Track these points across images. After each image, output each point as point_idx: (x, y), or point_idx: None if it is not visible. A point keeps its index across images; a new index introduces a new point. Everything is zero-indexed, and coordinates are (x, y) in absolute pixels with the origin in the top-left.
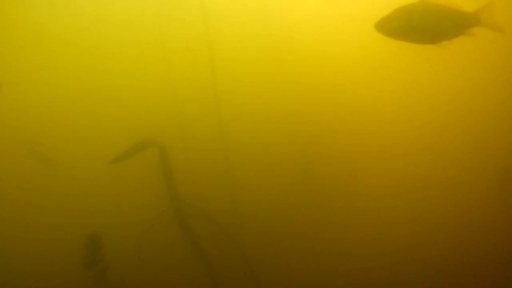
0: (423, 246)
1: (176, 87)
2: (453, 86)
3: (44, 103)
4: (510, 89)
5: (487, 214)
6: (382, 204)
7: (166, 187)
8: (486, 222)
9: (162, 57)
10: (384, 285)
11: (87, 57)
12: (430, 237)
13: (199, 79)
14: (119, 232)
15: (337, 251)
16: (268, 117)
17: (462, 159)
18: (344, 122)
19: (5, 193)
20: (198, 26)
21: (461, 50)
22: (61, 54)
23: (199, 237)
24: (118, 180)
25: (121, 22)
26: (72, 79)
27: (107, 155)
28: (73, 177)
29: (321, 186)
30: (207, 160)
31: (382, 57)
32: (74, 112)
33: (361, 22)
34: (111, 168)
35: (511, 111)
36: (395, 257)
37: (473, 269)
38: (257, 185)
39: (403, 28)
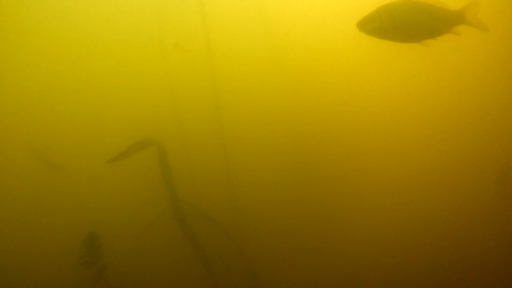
0: (423, 245)
1: (175, 86)
2: (447, 84)
3: (42, 103)
4: (501, 88)
5: (487, 213)
6: (381, 203)
7: (165, 186)
8: (486, 221)
9: (161, 56)
10: (383, 285)
11: (85, 56)
12: (430, 236)
13: (197, 78)
14: (117, 231)
15: (337, 250)
16: (267, 116)
17: (462, 158)
18: (343, 121)
19: (3, 192)
20: (196, 25)
21: (447, 48)
22: (58, 53)
23: (198, 236)
24: (117, 179)
25: (120, 21)
26: (70, 78)
27: (106, 154)
28: (71, 176)
29: (320, 185)
30: (206, 159)
31: (381, 56)
32: (72, 111)
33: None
34: (109, 167)
35: (509, 109)
36: (394, 256)
37: (473, 268)
38: (256, 184)
39: (386, 26)
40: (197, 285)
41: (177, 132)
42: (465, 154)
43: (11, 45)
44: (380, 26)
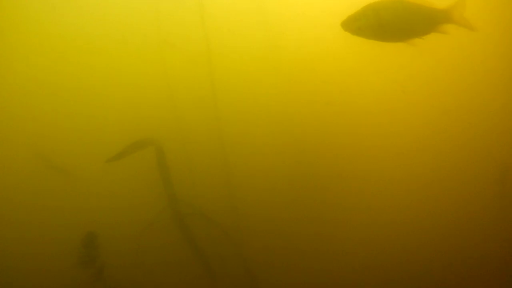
0: (422, 245)
1: (174, 86)
2: (445, 84)
3: (40, 102)
4: (500, 88)
5: (487, 213)
6: (380, 204)
7: (163, 186)
8: (486, 221)
9: (160, 56)
10: (382, 285)
11: (83, 56)
12: (428, 237)
13: (196, 77)
14: (116, 231)
15: (336, 251)
16: (266, 116)
17: (460, 158)
18: (341, 121)
19: (1, 192)
20: (196, 25)
21: (444, 46)
22: (56, 52)
23: (197, 237)
24: (115, 179)
25: (119, 21)
26: (68, 77)
27: (104, 154)
28: (70, 176)
29: (319, 186)
30: (205, 159)
31: (376, 55)
32: (70, 111)
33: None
34: (108, 167)
35: (508, 109)
36: (393, 256)
37: (473, 267)
38: (255, 184)
39: (372, 26)
40: (195, 286)
41: (175, 132)
42: (463, 154)
43: (8, 45)
44: (365, 25)
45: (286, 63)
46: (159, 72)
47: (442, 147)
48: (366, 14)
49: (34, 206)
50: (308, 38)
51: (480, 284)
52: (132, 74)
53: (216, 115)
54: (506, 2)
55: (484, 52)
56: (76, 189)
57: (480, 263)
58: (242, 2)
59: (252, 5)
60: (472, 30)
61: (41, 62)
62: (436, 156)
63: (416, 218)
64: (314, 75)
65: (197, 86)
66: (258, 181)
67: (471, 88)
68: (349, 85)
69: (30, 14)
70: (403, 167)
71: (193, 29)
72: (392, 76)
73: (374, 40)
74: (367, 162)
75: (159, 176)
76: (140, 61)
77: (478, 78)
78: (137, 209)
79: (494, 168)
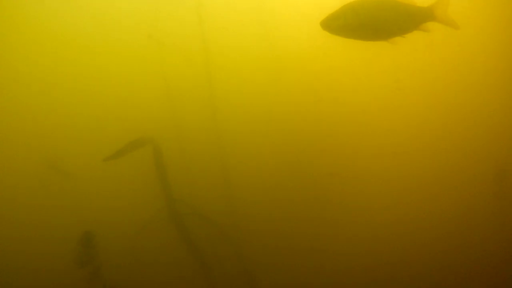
0: (419, 245)
1: (171, 86)
2: (443, 83)
3: (37, 101)
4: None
5: (484, 213)
6: (378, 203)
7: (161, 185)
8: (483, 220)
9: (158, 56)
10: (380, 285)
11: (81, 56)
12: (426, 236)
13: (194, 77)
14: (113, 230)
15: (333, 250)
16: (264, 115)
17: (458, 159)
18: (340, 121)
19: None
20: (193, 25)
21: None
22: (54, 52)
23: (194, 236)
24: (112, 178)
25: (117, 21)
26: (65, 76)
27: (102, 153)
28: (67, 176)
29: (317, 186)
30: (202, 159)
31: (372, 53)
32: (68, 110)
33: None
34: (105, 166)
35: (505, 110)
36: (391, 256)
37: (471, 267)
38: (252, 184)
39: (351, 25)
40: (193, 285)
41: (173, 131)
42: (460, 155)
43: (8, 45)
44: (345, 24)
45: (284, 63)
46: (157, 71)
47: (439, 148)
48: (346, 13)
49: (32, 205)
50: (307, 37)
51: (477, 283)
52: (130, 73)
53: (213, 114)
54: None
55: (484, 51)
56: (74, 189)
57: (478, 263)
58: (239, 1)
59: (249, 4)
60: (456, 28)
61: (38, 61)
62: (433, 158)
63: (413, 218)
64: (314, 76)
65: (195, 85)
66: (256, 181)
67: (470, 87)
68: (349, 84)
69: (27, 14)
70: (399, 167)
71: (191, 28)
72: (385, 74)
73: (354, 39)
74: (364, 161)
75: (156, 176)
76: (138, 60)
77: (478, 77)
78: (134, 208)
79: (490, 168)
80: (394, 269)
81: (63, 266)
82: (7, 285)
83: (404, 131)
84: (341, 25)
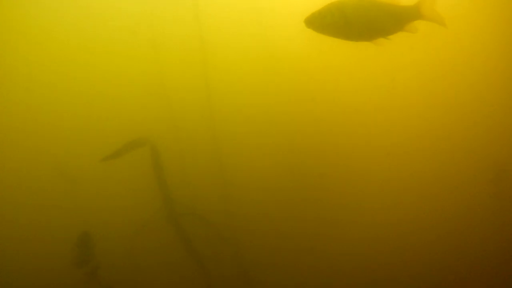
0: (418, 245)
1: (169, 86)
2: (440, 82)
3: (35, 101)
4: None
5: (482, 213)
6: (375, 204)
7: (158, 186)
8: (481, 221)
9: (155, 56)
10: (378, 285)
11: (78, 55)
12: (424, 236)
13: (191, 78)
14: (110, 231)
15: (330, 250)
16: (260, 116)
17: (456, 159)
18: (338, 121)
19: None
20: (190, 25)
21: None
22: (51, 52)
23: (192, 237)
24: (109, 179)
25: (113, 21)
26: (62, 76)
27: (99, 153)
28: (65, 176)
29: (314, 186)
30: (200, 159)
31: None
32: (65, 111)
33: None
34: (103, 166)
35: (504, 109)
36: (388, 256)
37: (471, 267)
38: (249, 185)
39: (337, 23)
40: (190, 286)
41: (170, 132)
42: (460, 155)
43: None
44: (331, 23)
45: (283, 63)
46: (154, 71)
47: (438, 147)
48: (332, 12)
49: (29, 205)
50: (307, 37)
51: (475, 283)
52: (127, 73)
53: (210, 115)
54: None
55: (484, 50)
56: (71, 189)
57: (477, 263)
58: (237, 1)
59: (247, 4)
60: (443, 26)
61: (35, 61)
62: (433, 158)
63: (412, 218)
64: (312, 76)
65: (192, 86)
66: (253, 182)
67: (469, 86)
68: (346, 84)
69: (24, 14)
70: (397, 167)
71: (188, 28)
72: (381, 72)
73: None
74: (364, 163)
75: (154, 176)
76: (135, 60)
77: (477, 76)
78: (131, 209)
79: (489, 168)
80: (392, 269)
81: (61, 267)
82: (3, 285)
83: (402, 130)
84: (326, 23)
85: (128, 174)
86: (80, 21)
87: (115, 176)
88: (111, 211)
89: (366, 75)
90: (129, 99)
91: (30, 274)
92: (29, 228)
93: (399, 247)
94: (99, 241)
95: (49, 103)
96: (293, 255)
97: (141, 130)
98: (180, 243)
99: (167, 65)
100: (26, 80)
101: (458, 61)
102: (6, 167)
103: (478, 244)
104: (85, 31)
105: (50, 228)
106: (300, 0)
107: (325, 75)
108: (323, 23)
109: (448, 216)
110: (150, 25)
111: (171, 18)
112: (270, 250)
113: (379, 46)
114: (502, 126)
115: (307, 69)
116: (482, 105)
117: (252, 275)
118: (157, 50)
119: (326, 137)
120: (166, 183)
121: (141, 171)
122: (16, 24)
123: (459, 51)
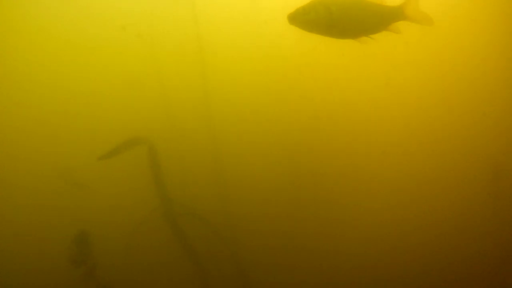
0: (417, 245)
1: (167, 85)
2: (438, 82)
3: (32, 101)
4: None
5: (480, 213)
6: (373, 203)
7: (155, 185)
8: (480, 221)
9: (153, 55)
10: (377, 285)
11: (75, 54)
12: (422, 236)
13: (189, 77)
14: (108, 230)
15: (328, 250)
16: (259, 116)
17: (454, 159)
18: (336, 121)
19: None
20: (189, 25)
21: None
22: (49, 51)
23: (189, 236)
24: (107, 178)
25: (111, 20)
26: (59, 75)
27: (96, 152)
28: (63, 175)
29: (312, 185)
30: (197, 159)
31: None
32: (62, 110)
33: None
34: (100, 165)
35: (502, 108)
36: (386, 256)
37: (469, 266)
38: (247, 184)
39: (322, 20)
40: (188, 285)
41: (168, 131)
42: (457, 154)
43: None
44: (315, 20)
45: (281, 62)
46: (152, 71)
47: (437, 146)
48: (317, 8)
49: (25, 204)
50: (306, 38)
51: (477, 283)
52: (125, 72)
53: (209, 114)
54: None
55: (484, 49)
56: (68, 188)
57: (477, 263)
58: (236, 0)
59: (245, 4)
60: (429, 25)
61: (32, 60)
62: (432, 157)
63: (410, 217)
64: (310, 76)
65: (190, 85)
66: (251, 181)
67: (467, 85)
68: (344, 84)
69: (22, 13)
70: (395, 166)
71: (186, 27)
72: (375, 70)
73: (322, 36)
74: (362, 162)
75: (151, 175)
76: (133, 59)
77: (476, 75)
78: (129, 208)
79: (487, 168)
80: (391, 269)
81: (58, 266)
82: (1, 285)
83: (399, 129)
84: (309, 20)
85: (125, 173)
86: (80, 21)
87: (112, 175)
88: (108, 210)
89: (363, 73)
90: (127, 98)
91: (27, 273)
92: (26, 227)
93: (397, 246)
94: (97, 240)
95: (46, 102)
96: (292, 255)
97: (139, 129)
98: (177, 243)
99: (165, 64)
100: (26, 80)
101: (456, 58)
102: (4, 166)
103: (477, 243)
104: (84, 31)
105: (47, 227)
106: (300, 0)
107: (325, 75)
108: (306, 19)
109: (446, 215)
110: (149, 25)
111: (169, 17)
112: (268, 249)
113: (363, 44)
114: (501, 125)
115: (307, 69)
116: (480, 103)
117: (250, 274)
118: (155, 49)
119: (326, 137)
120: (164, 182)
121: (139, 170)
122: (16, 24)
123: (457, 49)
